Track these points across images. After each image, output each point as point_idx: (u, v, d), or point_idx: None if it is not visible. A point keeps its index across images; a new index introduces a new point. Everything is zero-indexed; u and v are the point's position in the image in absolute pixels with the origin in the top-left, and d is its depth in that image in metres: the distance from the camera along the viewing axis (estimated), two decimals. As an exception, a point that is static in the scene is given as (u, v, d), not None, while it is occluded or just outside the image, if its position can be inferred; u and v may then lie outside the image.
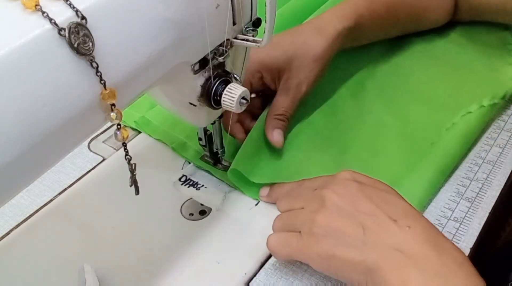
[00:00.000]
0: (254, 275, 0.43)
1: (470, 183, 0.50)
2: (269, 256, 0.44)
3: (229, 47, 0.40)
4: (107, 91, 0.30)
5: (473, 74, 0.61)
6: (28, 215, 0.48)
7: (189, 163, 0.53)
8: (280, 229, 0.42)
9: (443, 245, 0.36)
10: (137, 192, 0.36)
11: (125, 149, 0.34)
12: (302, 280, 0.42)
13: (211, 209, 0.49)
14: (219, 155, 0.51)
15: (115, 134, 0.32)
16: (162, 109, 0.48)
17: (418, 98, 0.59)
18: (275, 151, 0.51)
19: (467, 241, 0.45)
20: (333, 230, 0.37)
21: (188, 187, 0.51)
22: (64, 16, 0.28)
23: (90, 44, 0.29)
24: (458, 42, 0.67)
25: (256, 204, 0.49)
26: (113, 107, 0.31)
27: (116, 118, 0.31)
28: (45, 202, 0.49)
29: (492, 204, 0.48)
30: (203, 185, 0.51)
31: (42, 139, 0.28)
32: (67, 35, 0.28)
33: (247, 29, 0.41)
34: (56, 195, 0.50)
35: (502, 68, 0.62)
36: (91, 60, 0.29)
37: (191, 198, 0.50)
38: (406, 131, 0.54)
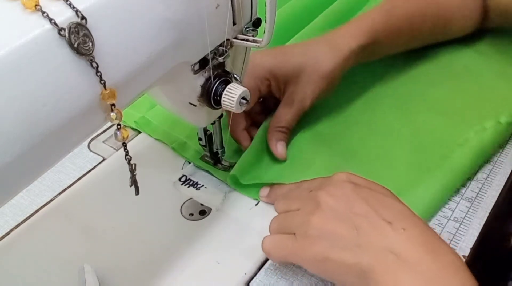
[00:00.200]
0: (254, 275, 0.43)
1: (470, 183, 0.50)
2: (269, 256, 0.44)
3: (229, 47, 0.40)
4: (107, 91, 0.30)
5: (494, 89, 0.58)
6: (28, 215, 0.48)
7: (189, 163, 0.53)
8: (276, 230, 0.42)
9: (439, 248, 0.35)
10: (137, 192, 0.36)
11: (125, 149, 0.34)
12: (302, 280, 0.42)
13: (211, 209, 0.49)
14: (219, 155, 0.51)
15: (115, 134, 0.32)
16: (162, 109, 0.48)
17: (433, 109, 0.56)
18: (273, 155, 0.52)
19: (467, 241, 0.45)
20: (327, 233, 0.37)
21: (188, 187, 0.51)
22: (64, 16, 0.28)
23: (90, 44, 0.29)
24: (484, 53, 0.64)
25: (256, 204, 0.49)
26: (113, 107, 0.31)
27: (116, 118, 0.31)
28: (45, 202, 0.49)
29: (492, 204, 0.48)
30: (203, 185, 0.51)
31: (42, 139, 0.28)
32: (67, 35, 0.28)
33: (247, 29, 0.41)
34: (56, 195, 0.50)
35: None
36: (91, 60, 0.29)
37: (191, 198, 0.50)
38: (417, 142, 0.53)
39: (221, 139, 0.50)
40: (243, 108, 0.41)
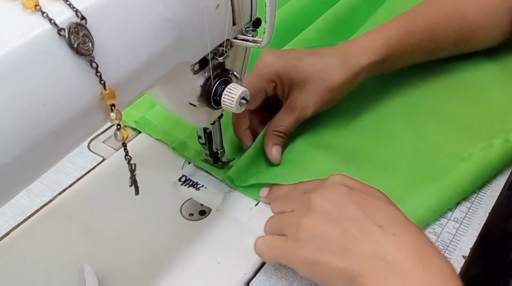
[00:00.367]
0: (254, 275, 0.43)
1: (470, 183, 0.50)
2: (269, 256, 0.44)
3: (229, 47, 0.40)
4: (107, 91, 0.30)
5: (508, 107, 0.56)
6: (28, 215, 0.48)
7: (189, 163, 0.53)
8: (270, 231, 0.42)
9: (431, 256, 0.34)
10: (137, 192, 0.36)
11: (125, 149, 0.34)
12: (302, 280, 0.42)
13: (211, 209, 0.49)
14: (219, 155, 0.51)
15: (115, 134, 0.32)
16: (162, 109, 0.48)
17: (443, 121, 0.55)
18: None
19: (467, 241, 0.45)
20: (317, 236, 0.37)
21: (188, 187, 0.51)
22: (64, 16, 0.28)
23: (90, 44, 0.29)
24: (506, 67, 0.60)
25: (256, 204, 0.49)
26: (112, 107, 0.31)
27: (115, 118, 0.31)
28: (45, 202, 0.49)
29: (492, 204, 0.48)
30: (203, 185, 0.51)
31: (42, 139, 0.28)
32: (66, 35, 0.28)
33: (247, 29, 0.41)
34: (56, 195, 0.50)
35: None
36: (91, 60, 0.29)
37: (191, 198, 0.50)
38: (420, 152, 0.52)
39: (221, 139, 0.50)
40: (243, 108, 0.41)
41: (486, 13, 0.56)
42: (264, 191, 0.49)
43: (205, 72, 0.40)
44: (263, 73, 0.50)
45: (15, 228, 0.47)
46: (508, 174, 0.50)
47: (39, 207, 0.49)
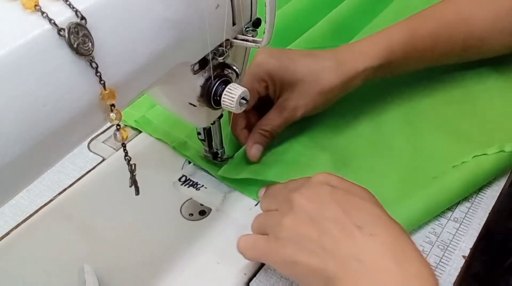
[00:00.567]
0: (254, 275, 0.43)
1: (470, 183, 0.50)
2: (269, 256, 0.44)
3: (229, 47, 0.40)
4: (107, 92, 0.30)
5: (508, 116, 0.55)
6: (28, 215, 0.48)
7: (189, 163, 0.53)
8: (255, 230, 0.41)
9: (408, 258, 0.33)
10: (137, 192, 0.36)
11: (124, 149, 0.34)
12: (302, 280, 0.42)
13: (211, 209, 0.49)
14: (219, 155, 0.51)
15: (114, 135, 0.32)
16: (162, 108, 0.48)
17: (441, 128, 0.54)
18: (271, 155, 0.52)
19: (467, 241, 0.45)
20: (297, 236, 0.36)
21: (188, 187, 0.51)
22: (64, 16, 0.28)
23: (90, 44, 0.29)
24: (506, 75, 0.59)
25: (256, 204, 0.49)
26: (112, 107, 0.31)
27: (115, 119, 0.31)
28: (45, 202, 0.49)
29: (492, 204, 0.48)
30: (203, 185, 0.51)
31: (42, 139, 0.28)
32: (66, 35, 0.28)
33: (247, 29, 0.41)
34: (56, 195, 0.50)
35: None
36: (91, 60, 0.29)
37: (191, 198, 0.50)
38: (415, 158, 0.51)
39: (221, 139, 0.50)
40: (243, 108, 0.41)
41: (492, 23, 0.55)
42: (262, 191, 0.49)
43: (205, 72, 0.40)
44: (254, 72, 0.50)
45: (15, 228, 0.47)
46: (508, 174, 0.50)
47: (39, 207, 0.49)
